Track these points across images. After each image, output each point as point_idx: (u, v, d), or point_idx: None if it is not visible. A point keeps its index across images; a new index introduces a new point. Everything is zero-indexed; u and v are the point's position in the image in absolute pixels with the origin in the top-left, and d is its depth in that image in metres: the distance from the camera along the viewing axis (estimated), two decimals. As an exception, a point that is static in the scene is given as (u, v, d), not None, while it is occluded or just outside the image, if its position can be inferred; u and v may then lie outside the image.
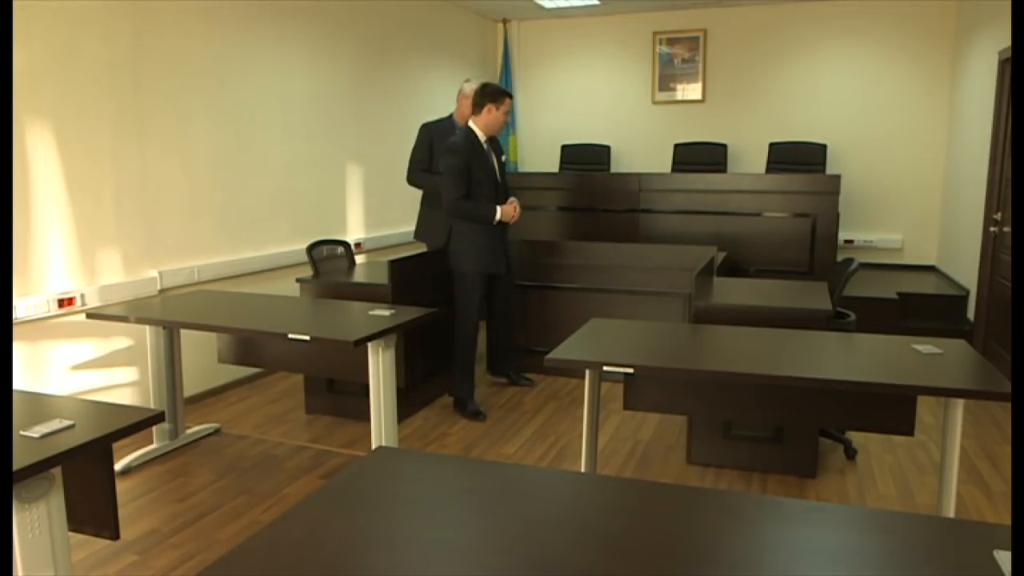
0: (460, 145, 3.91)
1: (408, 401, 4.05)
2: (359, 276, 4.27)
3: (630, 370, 2.45)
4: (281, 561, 1.28)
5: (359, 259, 5.14)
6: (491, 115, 3.95)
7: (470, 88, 4.50)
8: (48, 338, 3.51)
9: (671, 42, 7.45)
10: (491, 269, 4.09)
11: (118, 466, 3.34)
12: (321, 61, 5.22)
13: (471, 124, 4.00)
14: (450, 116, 4.75)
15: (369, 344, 2.90)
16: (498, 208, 3.98)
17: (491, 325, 4.50)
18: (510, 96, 4.04)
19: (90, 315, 3.37)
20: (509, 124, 7.88)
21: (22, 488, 1.63)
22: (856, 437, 3.65)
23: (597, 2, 7.03)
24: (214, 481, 3.30)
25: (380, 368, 3.00)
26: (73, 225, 3.58)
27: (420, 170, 4.73)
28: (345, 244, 4.60)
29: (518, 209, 4.07)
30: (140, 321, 3.28)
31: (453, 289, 4.13)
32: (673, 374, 2.71)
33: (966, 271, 5.71)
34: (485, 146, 4.01)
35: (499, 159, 4.13)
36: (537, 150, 7.94)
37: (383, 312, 3.15)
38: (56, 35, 3.45)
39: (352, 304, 3.43)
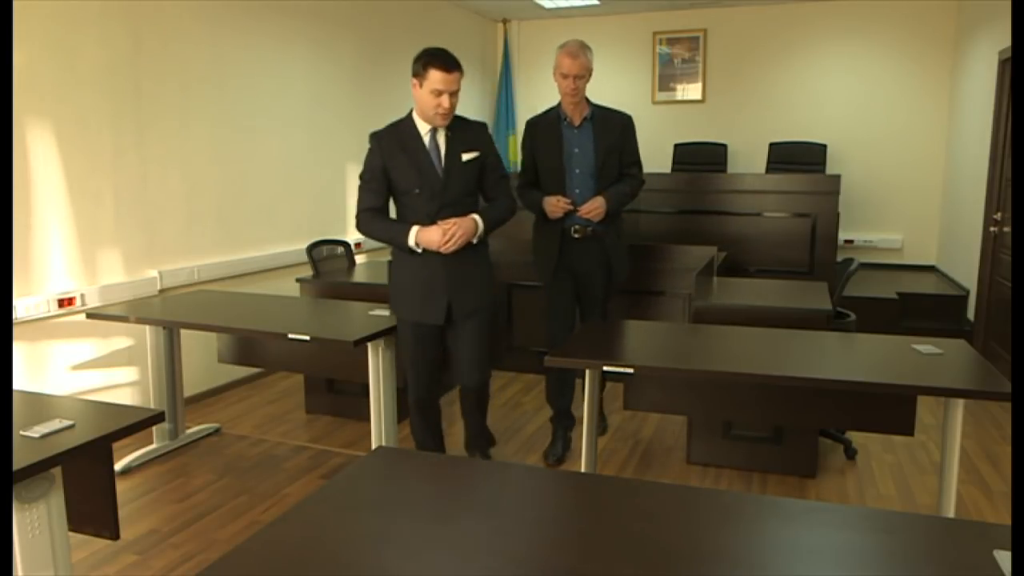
0: (378, 136, 2.86)
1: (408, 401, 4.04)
2: (359, 276, 4.27)
3: (630, 370, 2.45)
4: (281, 561, 1.28)
5: (359, 259, 5.13)
6: (416, 95, 2.78)
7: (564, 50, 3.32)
8: (48, 338, 3.51)
9: (671, 42, 7.45)
10: (420, 317, 2.90)
11: (118, 466, 3.34)
12: (321, 61, 5.22)
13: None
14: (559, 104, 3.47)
15: (369, 344, 2.90)
16: (414, 229, 2.78)
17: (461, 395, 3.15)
18: (443, 67, 2.71)
19: (90, 315, 3.38)
20: (507, 122, 7.77)
21: (22, 488, 1.63)
22: (856, 437, 3.65)
23: (597, 2, 7.03)
24: (214, 481, 3.30)
25: (380, 368, 3.00)
26: (73, 225, 3.58)
27: (524, 184, 3.47)
28: (345, 244, 4.61)
29: (452, 235, 2.76)
30: (140, 321, 3.29)
31: None
32: (673, 374, 2.71)
33: (966, 271, 5.71)
34: (427, 139, 2.82)
35: (454, 159, 2.84)
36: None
37: (383, 312, 3.15)
38: (56, 36, 3.45)
39: (352, 304, 3.43)
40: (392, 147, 2.83)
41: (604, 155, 3.36)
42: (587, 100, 3.40)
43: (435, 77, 2.71)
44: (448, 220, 2.78)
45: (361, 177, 2.89)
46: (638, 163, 3.51)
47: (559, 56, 3.28)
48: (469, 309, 2.92)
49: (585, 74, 3.29)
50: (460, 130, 2.88)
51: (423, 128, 2.83)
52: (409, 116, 2.87)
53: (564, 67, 3.27)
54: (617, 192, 3.38)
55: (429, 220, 2.79)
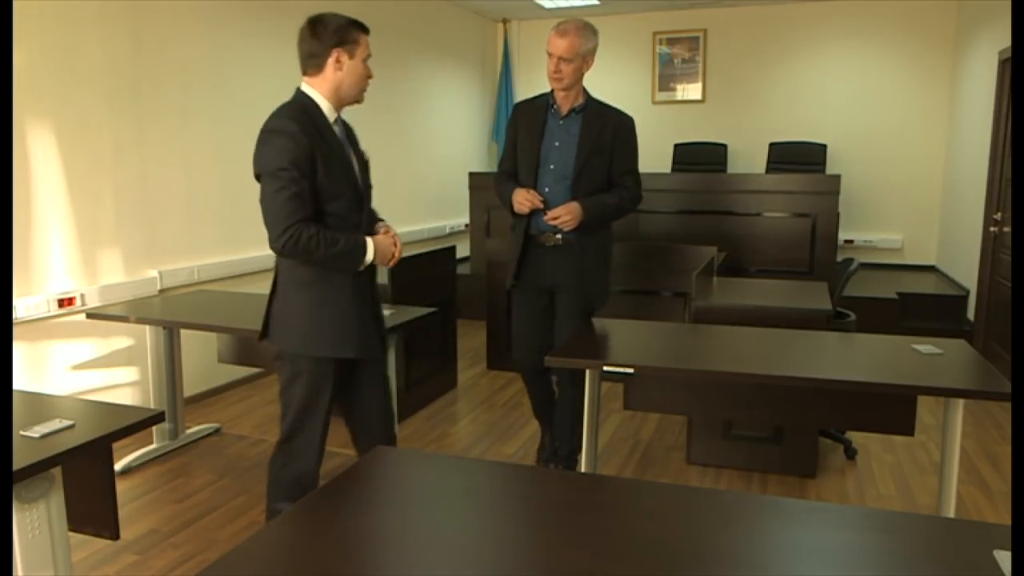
0: (291, 124, 2.11)
1: (408, 401, 4.05)
2: (359, 276, 4.27)
3: (631, 370, 2.44)
4: (281, 561, 1.28)
5: (359, 259, 5.14)
6: (343, 70, 2.19)
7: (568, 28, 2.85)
8: (48, 338, 3.51)
9: (671, 42, 7.45)
10: (360, 353, 2.30)
11: (118, 466, 3.34)
12: (321, 61, 5.22)
13: (307, 89, 2.22)
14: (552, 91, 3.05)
15: (369, 344, 2.89)
16: (370, 241, 2.25)
17: (356, 435, 2.57)
18: (366, 31, 2.25)
19: (90, 315, 3.38)
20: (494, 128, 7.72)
21: (22, 488, 1.63)
22: (856, 437, 3.65)
23: (597, 2, 7.03)
24: (214, 481, 3.30)
25: (380, 368, 2.99)
26: (73, 225, 3.58)
27: (501, 174, 3.16)
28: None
29: (400, 244, 2.35)
30: (140, 321, 3.29)
31: (281, 383, 2.32)
32: (673, 374, 2.71)
33: (966, 271, 5.71)
34: (337, 129, 2.26)
35: (359, 154, 2.34)
36: (537, 150, 7.94)
37: (383, 312, 3.14)
38: (56, 36, 3.45)
39: (352, 304, 3.42)
40: (315, 138, 2.14)
41: (587, 155, 2.93)
42: (584, 91, 3.02)
43: (366, 41, 2.24)
44: (385, 225, 2.35)
45: (280, 176, 2.08)
46: (634, 172, 3.04)
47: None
48: (386, 342, 2.44)
49: (572, 57, 2.84)
50: (347, 127, 2.35)
51: (331, 115, 2.22)
52: (308, 98, 2.21)
53: (550, 45, 2.88)
54: (599, 202, 2.93)
55: (359, 230, 2.27)
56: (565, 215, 2.87)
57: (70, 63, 3.52)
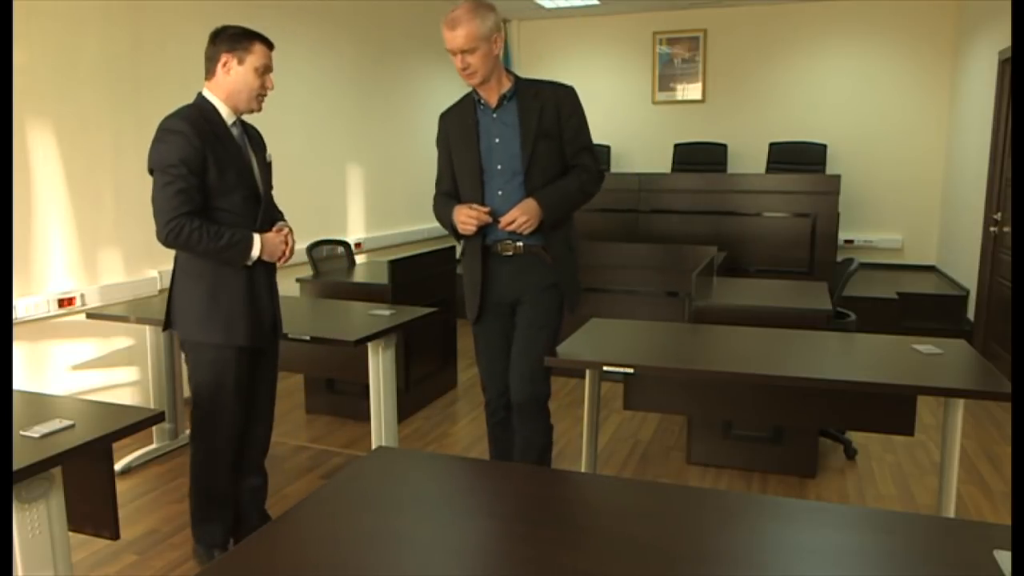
0: (185, 125, 2.26)
1: (408, 401, 4.05)
2: (359, 276, 4.28)
3: (630, 370, 2.45)
4: (281, 561, 1.28)
5: (359, 259, 5.13)
6: (230, 74, 2.33)
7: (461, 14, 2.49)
8: (48, 338, 3.51)
9: (671, 42, 7.45)
10: (250, 341, 2.45)
11: (118, 466, 3.34)
12: (321, 61, 5.22)
13: (206, 93, 2.38)
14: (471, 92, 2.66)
15: (369, 344, 2.90)
16: (256, 237, 2.38)
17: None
18: (265, 42, 2.38)
19: (90, 315, 3.38)
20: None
21: (22, 488, 1.63)
22: (856, 437, 3.65)
23: (597, 2, 7.03)
24: (214, 481, 3.30)
25: (380, 368, 3.00)
26: (73, 225, 3.58)
27: (438, 195, 2.75)
28: (345, 244, 4.60)
29: (292, 242, 2.52)
30: (140, 321, 3.29)
31: (188, 375, 2.55)
32: (673, 374, 2.71)
33: (966, 271, 5.71)
34: (236, 132, 2.41)
35: (262, 157, 2.53)
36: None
37: (383, 312, 3.15)
38: (56, 36, 3.45)
39: (352, 304, 3.43)
40: (207, 137, 2.29)
41: (533, 142, 2.51)
42: (509, 73, 2.62)
43: (261, 52, 2.36)
44: (281, 225, 2.52)
45: (169, 171, 2.24)
46: (589, 149, 2.61)
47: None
48: (279, 329, 2.61)
49: (476, 45, 2.45)
50: (247, 126, 2.52)
51: (229, 119, 2.38)
52: (206, 101, 2.36)
53: (446, 42, 2.53)
54: (557, 191, 2.53)
55: (252, 227, 2.42)
56: (521, 217, 2.46)
57: (70, 63, 3.52)
